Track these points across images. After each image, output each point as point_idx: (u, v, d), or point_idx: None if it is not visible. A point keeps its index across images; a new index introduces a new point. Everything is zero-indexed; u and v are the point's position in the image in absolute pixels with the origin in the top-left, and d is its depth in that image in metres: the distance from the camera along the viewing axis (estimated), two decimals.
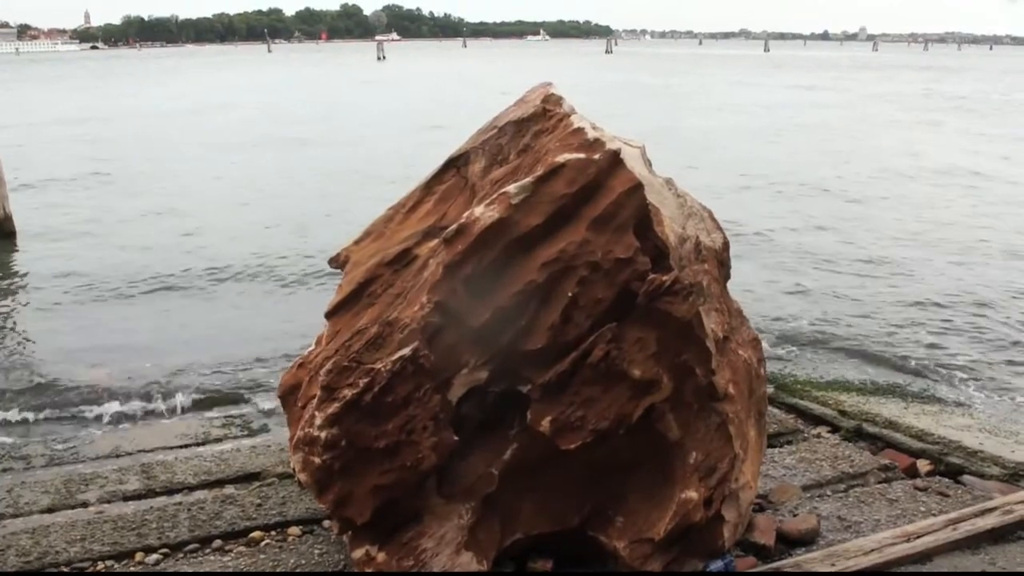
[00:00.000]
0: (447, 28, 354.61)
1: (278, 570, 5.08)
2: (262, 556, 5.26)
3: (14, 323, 12.71)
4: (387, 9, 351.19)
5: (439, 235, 4.67)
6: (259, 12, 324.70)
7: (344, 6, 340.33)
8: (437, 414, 4.41)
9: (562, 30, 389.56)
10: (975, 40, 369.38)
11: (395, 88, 60.56)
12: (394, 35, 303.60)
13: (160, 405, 9.21)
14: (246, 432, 8.22)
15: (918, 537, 5.29)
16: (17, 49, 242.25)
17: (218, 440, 7.91)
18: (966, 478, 6.44)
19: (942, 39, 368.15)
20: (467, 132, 5.50)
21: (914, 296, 13.99)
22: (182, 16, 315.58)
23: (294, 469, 4.64)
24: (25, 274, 15.40)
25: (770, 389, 7.10)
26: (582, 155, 4.58)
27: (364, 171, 26.24)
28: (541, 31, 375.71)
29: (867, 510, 5.82)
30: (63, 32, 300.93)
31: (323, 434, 4.34)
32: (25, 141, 32.08)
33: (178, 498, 6.20)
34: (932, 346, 11.66)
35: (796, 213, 20.57)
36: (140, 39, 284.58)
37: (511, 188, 4.50)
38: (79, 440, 8.21)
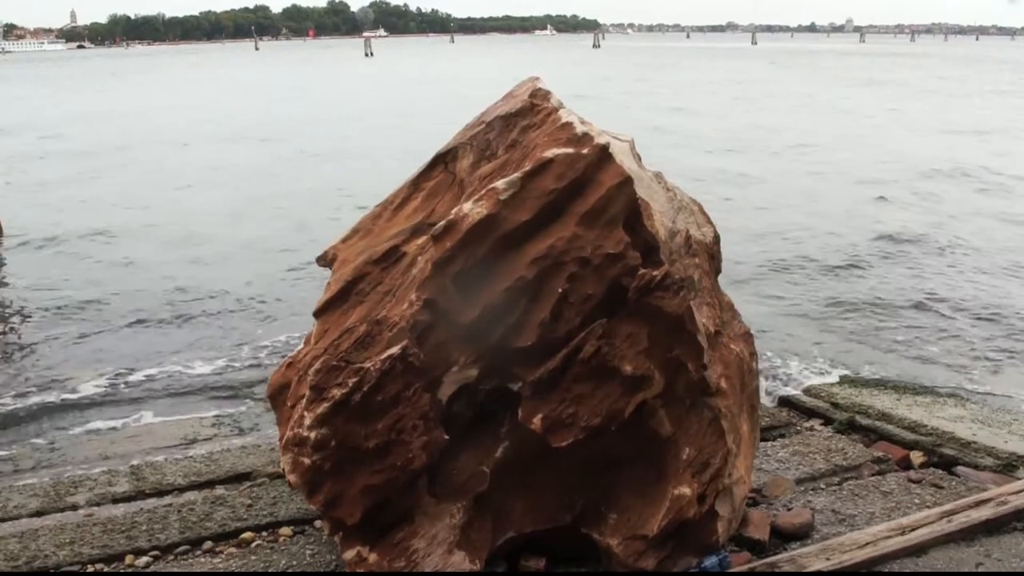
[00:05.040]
0: (434, 23, 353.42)
1: (269, 571, 5.04)
2: (253, 557, 5.22)
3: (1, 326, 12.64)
4: (374, 5, 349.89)
5: (427, 232, 4.63)
6: (246, 9, 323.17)
7: (331, 3, 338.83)
8: (427, 413, 4.38)
9: (551, 24, 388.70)
10: (961, 31, 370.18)
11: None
12: (381, 31, 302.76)
13: (149, 406, 9.17)
14: (236, 432, 8.19)
15: (913, 530, 5.27)
16: (3, 49, 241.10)
17: (208, 440, 7.87)
18: (960, 469, 6.44)
19: (928, 30, 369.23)
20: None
21: (905, 288, 14.00)
22: (169, 14, 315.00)
23: (284, 469, 4.60)
24: (10, 275, 15.30)
25: (763, 382, 7.07)
26: (571, 150, 4.54)
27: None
28: (548, 26, 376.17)
29: (861, 503, 5.80)
30: (49, 31, 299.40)
31: (312, 434, 4.30)
32: None
33: (168, 500, 6.16)
34: (924, 337, 11.67)
35: (785, 205, 20.59)
36: (127, 37, 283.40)
37: (499, 184, 4.46)
38: (68, 442, 8.16)
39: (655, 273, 4.52)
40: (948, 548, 5.20)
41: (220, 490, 6.28)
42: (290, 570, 5.05)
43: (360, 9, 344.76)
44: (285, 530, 5.56)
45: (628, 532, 4.69)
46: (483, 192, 4.49)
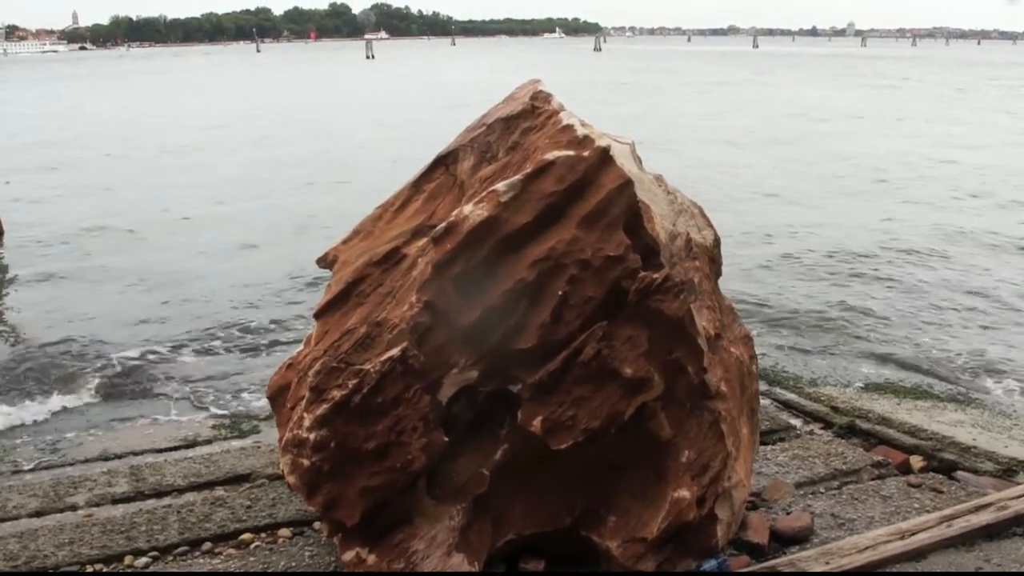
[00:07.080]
0: (435, 26, 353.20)
1: (268, 572, 5.04)
2: (252, 558, 5.22)
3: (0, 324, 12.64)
4: (376, 8, 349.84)
5: (428, 234, 4.63)
6: (247, 11, 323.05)
7: (332, 5, 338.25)
8: (427, 415, 4.37)
9: (551, 27, 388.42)
10: (963, 35, 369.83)
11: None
12: (383, 34, 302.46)
13: (149, 407, 9.16)
14: (235, 433, 8.14)
15: (912, 534, 5.26)
16: (5, 50, 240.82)
17: (207, 442, 7.83)
18: (960, 474, 6.42)
19: (930, 34, 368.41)
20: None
21: (905, 292, 13.99)
22: (170, 16, 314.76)
23: (283, 471, 4.60)
24: (11, 274, 15.30)
25: (762, 386, 7.06)
26: (571, 152, 4.55)
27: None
28: (557, 28, 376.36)
29: (861, 507, 5.79)
30: (51, 33, 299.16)
31: (312, 436, 4.30)
32: None
33: (167, 500, 6.14)
34: (924, 341, 11.66)
35: (785, 208, 20.60)
36: (128, 39, 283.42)
37: (500, 186, 4.46)
38: (67, 443, 8.13)
39: (655, 276, 4.52)
40: (948, 553, 5.19)
41: (219, 491, 6.26)
42: (289, 571, 5.04)
43: (362, 11, 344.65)
44: (284, 531, 5.55)
45: (627, 534, 4.69)
46: (484, 194, 4.50)
